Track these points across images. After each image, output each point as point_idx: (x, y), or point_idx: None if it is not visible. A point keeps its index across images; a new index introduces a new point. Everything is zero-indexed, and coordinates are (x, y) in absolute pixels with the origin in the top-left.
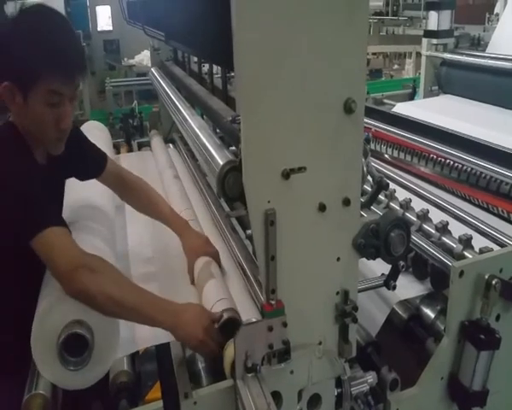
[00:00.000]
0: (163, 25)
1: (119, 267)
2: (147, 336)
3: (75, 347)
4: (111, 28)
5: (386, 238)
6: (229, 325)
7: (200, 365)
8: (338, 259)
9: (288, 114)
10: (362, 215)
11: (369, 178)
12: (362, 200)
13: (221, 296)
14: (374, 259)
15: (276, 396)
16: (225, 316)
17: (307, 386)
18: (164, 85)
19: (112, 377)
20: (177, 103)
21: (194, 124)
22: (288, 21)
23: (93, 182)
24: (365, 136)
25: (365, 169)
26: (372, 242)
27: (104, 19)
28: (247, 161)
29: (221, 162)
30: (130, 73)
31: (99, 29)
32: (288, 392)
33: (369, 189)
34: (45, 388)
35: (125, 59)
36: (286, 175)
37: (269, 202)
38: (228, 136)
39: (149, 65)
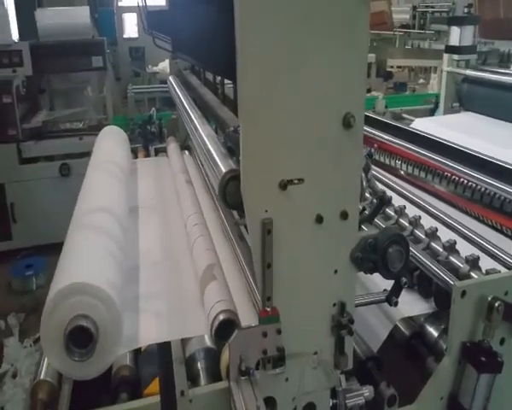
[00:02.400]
0: (175, 37)
1: (127, 267)
2: (149, 334)
3: (81, 339)
4: (137, 36)
5: (383, 253)
6: (228, 326)
7: (200, 365)
8: (335, 271)
9: (287, 126)
10: (362, 229)
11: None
12: (366, 213)
13: (221, 298)
14: (371, 273)
15: (271, 402)
16: (221, 317)
17: (299, 394)
18: (179, 94)
19: (114, 371)
20: (189, 112)
21: (203, 132)
22: (289, 38)
23: (108, 185)
24: (368, 151)
25: (366, 184)
26: (370, 256)
27: (130, 26)
28: (245, 171)
29: (223, 170)
30: (153, 80)
31: (125, 36)
32: (282, 398)
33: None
34: (53, 376)
35: (150, 66)
36: (283, 186)
37: (266, 211)
38: (233, 145)
39: None
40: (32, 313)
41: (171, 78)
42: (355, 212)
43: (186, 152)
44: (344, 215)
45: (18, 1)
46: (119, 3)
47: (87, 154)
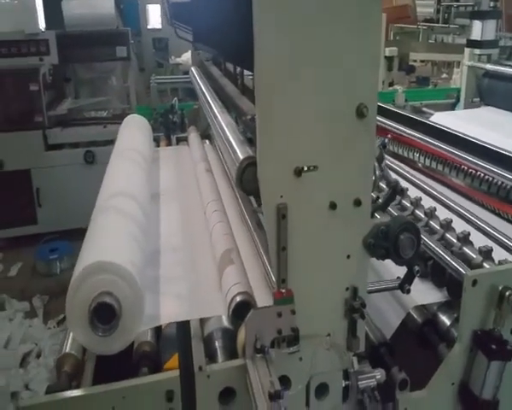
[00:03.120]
0: (196, 28)
1: (149, 251)
2: (170, 313)
3: (104, 315)
4: (160, 27)
5: (395, 240)
6: (244, 308)
7: (217, 344)
8: (348, 256)
9: (302, 115)
10: (376, 217)
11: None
12: (379, 202)
13: (238, 281)
14: (383, 259)
15: (285, 380)
16: (238, 299)
17: (312, 373)
18: (201, 84)
19: (136, 346)
20: (210, 101)
21: (222, 121)
22: (304, 32)
23: (131, 172)
24: (382, 141)
25: (379, 173)
26: (382, 243)
27: (154, 17)
28: (261, 157)
29: (241, 157)
30: (176, 70)
31: (149, 27)
32: (296, 377)
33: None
34: (77, 349)
35: (173, 57)
36: (298, 172)
37: (281, 196)
38: (251, 133)
39: None
40: (55, 296)
41: (193, 68)
42: (368, 199)
43: (207, 141)
44: (357, 202)
45: None
46: None
47: (111, 142)
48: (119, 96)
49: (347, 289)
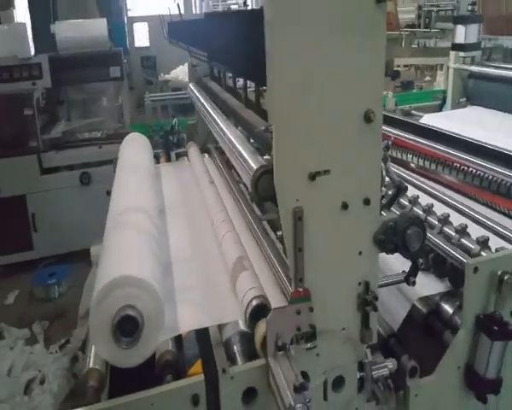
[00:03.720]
0: (205, 46)
1: (163, 263)
2: (188, 322)
3: (127, 328)
4: (148, 44)
5: (403, 235)
6: (260, 310)
7: (236, 348)
8: (360, 253)
9: (315, 123)
10: (382, 215)
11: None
12: (383, 202)
13: (253, 285)
14: (392, 253)
15: (304, 376)
16: (255, 303)
17: (329, 367)
18: (202, 99)
19: (158, 356)
20: (214, 116)
21: (230, 134)
22: (316, 46)
23: (140, 187)
24: (385, 143)
25: (385, 173)
26: (391, 238)
27: (141, 35)
28: (278, 165)
29: (255, 167)
30: (165, 87)
31: (136, 45)
32: (314, 373)
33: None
34: (101, 364)
35: (161, 74)
36: (312, 177)
37: (297, 200)
38: (260, 144)
39: (185, 80)
40: (55, 321)
41: (191, 85)
42: (377, 198)
43: (206, 155)
44: (367, 202)
45: (34, 15)
46: (129, 13)
47: (107, 162)
48: (112, 116)
49: (360, 284)
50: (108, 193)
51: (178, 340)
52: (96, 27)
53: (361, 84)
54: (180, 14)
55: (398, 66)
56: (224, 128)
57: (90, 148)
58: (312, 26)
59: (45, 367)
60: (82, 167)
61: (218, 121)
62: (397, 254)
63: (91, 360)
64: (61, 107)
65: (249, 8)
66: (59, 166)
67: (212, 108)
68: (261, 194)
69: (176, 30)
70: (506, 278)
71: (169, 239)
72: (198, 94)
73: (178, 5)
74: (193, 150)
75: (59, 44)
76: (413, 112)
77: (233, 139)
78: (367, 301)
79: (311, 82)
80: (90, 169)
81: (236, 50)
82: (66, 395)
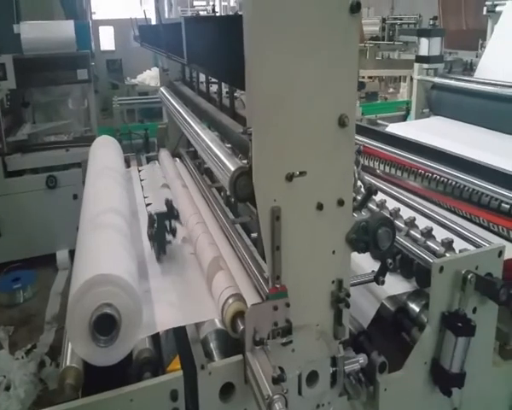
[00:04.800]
0: (180, 50)
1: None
2: (166, 320)
3: (105, 327)
4: (113, 48)
5: (374, 234)
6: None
7: (212, 345)
8: (333, 252)
9: (292, 127)
10: (353, 216)
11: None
12: (354, 204)
13: (229, 284)
14: (364, 252)
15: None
16: (231, 301)
17: (303, 362)
18: (175, 103)
19: (136, 354)
20: (188, 119)
21: (206, 137)
22: (292, 54)
23: (112, 189)
24: (357, 147)
25: (357, 176)
26: (362, 237)
27: (107, 39)
28: (256, 166)
29: (232, 168)
30: (132, 92)
31: (102, 49)
32: (289, 368)
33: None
34: (78, 362)
35: (128, 78)
36: (289, 178)
37: (275, 200)
38: (237, 146)
39: (151, 85)
40: (21, 326)
41: (162, 89)
42: (350, 199)
43: (177, 159)
44: (340, 202)
45: None
46: (94, 17)
47: (74, 165)
48: (79, 119)
49: (333, 281)
50: (75, 197)
51: (156, 338)
52: (62, 29)
53: (336, 90)
54: (146, 18)
55: (363, 77)
56: (199, 131)
57: (57, 151)
58: (289, 35)
59: (11, 373)
60: (48, 171)
61: (193, 124)
62: (366, 256)
63: (68, 357)
64: (26, 109)
65: (217, 14)
66: (24, 169)
67: (186, 111)
68: (239, 195)
69: (147, 34)
70: (469, 277)
71: (142, 240)
72: (170, 98)
73: (145, 11)
74: (164, 154)
75: (24, 45)
76: (379, 121)
77: (209, 142)
78: (340, 299)
79: (289, 88)
80: (57, 172)
81: (216, 55)
82: (33, 401)
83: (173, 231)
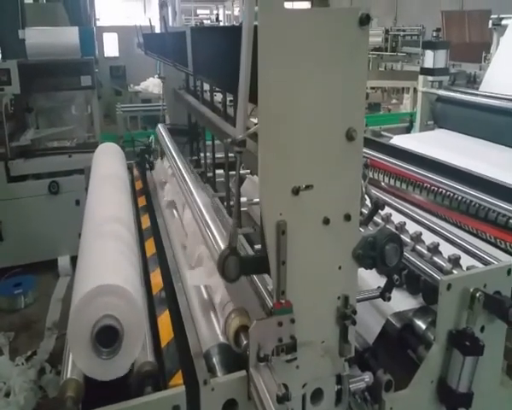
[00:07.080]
0: (186, 59)
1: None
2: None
3: (107, 339)
4: (117, 55)
5: (381, 250)
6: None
7: (215, 360)
8: (339, 267)
9: (299, 141)
10: (360, 231)
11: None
12: (361, 218)
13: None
14: (371, 268)
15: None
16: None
17: (308, 380)
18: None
19: (137, 367)
20: (185, 176)
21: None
22: (302, 68)
23: (115, 195)
24: (364, 161)
25: (364, 190)
26: (369, 253)
27: (111, 45)
28: (262, 179)
29: (222, 247)
30: (135, 98)
31: (106, 55)
32: (293, 385)
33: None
34: (79, 374)
35: (131, 85)
36: (296, 192)
37: (281, 214)
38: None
39: (154, 92)
40: (21, 332)
41: (160, 126)
42: (357, 214)
43: None
44: (347, 217)
45: (1, 20)
46: (98, 23)
47: (76, 171)
48: (82, 125)
49: (339, 297)
50: (78, 203)
51: (157, 350)
52: (67, 35)
53: (344, 104)
54: (151, 26)
55: (366, 88)
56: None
57: (60, 157)
58: (299, 49)
59: (11, 379)
60: (51, 176)
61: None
62: (372, 271)
63: (69, 369)
64: (29, 114)
65: (221, 23)
66: (27, 174)
67: (183, 166)
68: (227, 275)
69: (152, 42)
70: (478, 294)
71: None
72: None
73: (150, 19)
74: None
75: (29, 50)
76: (383, 133)
77: (203, 209)
78: (346, 315)
79: (297, 101)
80: (59, 178)
81: (222, 65)
82: (32, 409)
83: None
